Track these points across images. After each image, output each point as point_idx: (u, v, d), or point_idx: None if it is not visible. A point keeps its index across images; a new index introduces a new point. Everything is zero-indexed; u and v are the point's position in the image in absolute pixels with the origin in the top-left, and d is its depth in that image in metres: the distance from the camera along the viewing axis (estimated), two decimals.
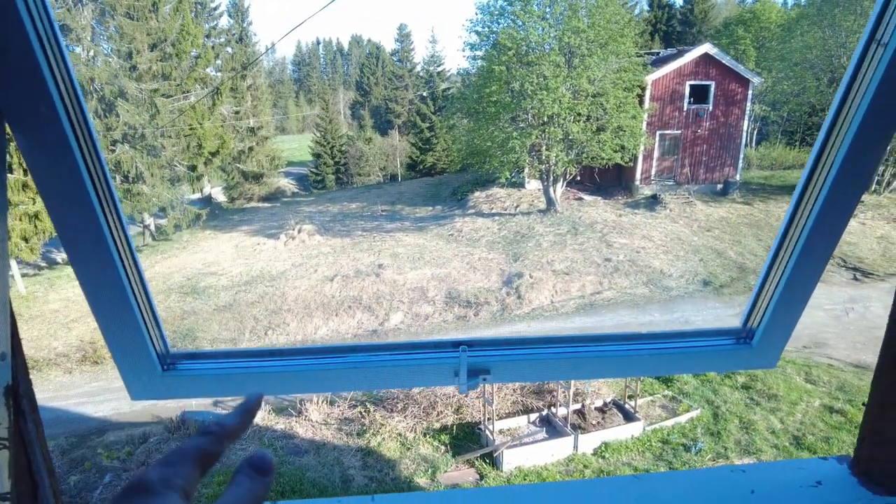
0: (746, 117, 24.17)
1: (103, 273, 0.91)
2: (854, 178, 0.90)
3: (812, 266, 1.02)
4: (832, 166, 0.90)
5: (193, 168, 25.47)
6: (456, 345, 1.06)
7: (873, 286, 15.24)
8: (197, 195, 30.92)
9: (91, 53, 22.87)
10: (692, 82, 23.25)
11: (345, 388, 1.14)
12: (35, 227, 17.53)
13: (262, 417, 10.00)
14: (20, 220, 17.16)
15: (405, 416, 9.88)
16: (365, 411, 10.10)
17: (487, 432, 9.26)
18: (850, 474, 1.01)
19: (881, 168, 21.73)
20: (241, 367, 1.07)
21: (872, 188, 21.57)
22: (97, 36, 23.27)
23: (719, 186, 23.85)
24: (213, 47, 29.41)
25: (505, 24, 20.55)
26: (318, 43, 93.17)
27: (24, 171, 16.63)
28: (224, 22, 33.85)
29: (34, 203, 17.13)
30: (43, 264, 20.75)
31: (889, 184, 21.84)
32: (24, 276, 19.01)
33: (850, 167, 0.89)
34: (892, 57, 0.78)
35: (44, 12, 0.72)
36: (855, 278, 15.86)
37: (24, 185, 16.97)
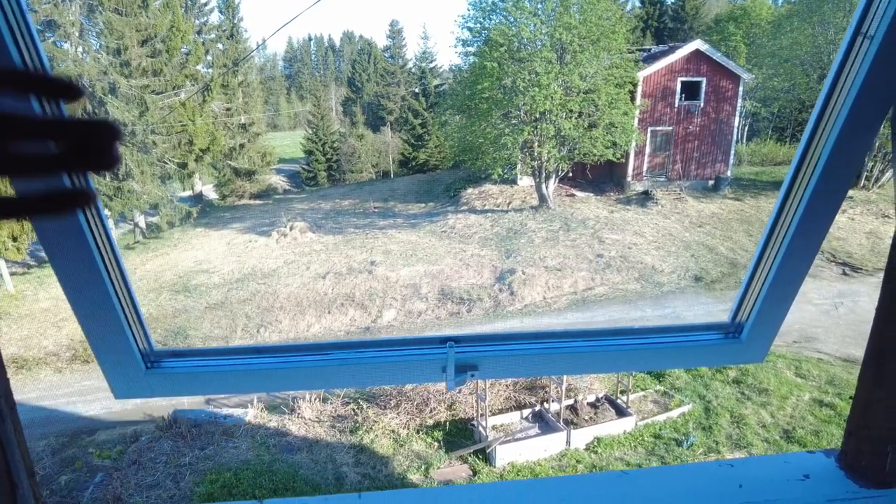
0: (737, 113, 24.28)
1: (83, 270, 0.90)
2: (841, 171, 0.90)
3: (799, 261, 1.02)
4: (819, 160, 0.90)
5: (184, 165, 25.26)
6: (443, 341, 1.05)
7: (862, 281, 15.39)
8: (188, 192, 30.66)
9: (79, 49, 22.61)
10: (683, 78, 23.32)
11: (332, 386, 1.13)
12: (22, 225, 17.33)
13: (255, 415, 9.97)
14: None
15: (398, 413, 9.88)
16: (358, 408, 10.09)
17: (480, 428, 9.28)
18: (838, 468, 1.01)
19: (870, 163, 21.90)
20: (226, 365, 1.06)
21: (861, 183, 21.74)
22: (86, 32, 23.00)
23: (710, 182, 23.98)
24: (203, 43, 29.14)
25: (497, 21, 20.51)
26: (310, 39, 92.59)
27: None
28: (215, 18, 33.56)
29: None
30: (32, 262, 20.54)
31: (878, 179, 22.03)
32: (12, 274, 18.82)
33: (836, 161, 0.88)
34: (879, 50, 0.78)
35: (16, 5, 0.70)
36: (844, 273, 16.01)
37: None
